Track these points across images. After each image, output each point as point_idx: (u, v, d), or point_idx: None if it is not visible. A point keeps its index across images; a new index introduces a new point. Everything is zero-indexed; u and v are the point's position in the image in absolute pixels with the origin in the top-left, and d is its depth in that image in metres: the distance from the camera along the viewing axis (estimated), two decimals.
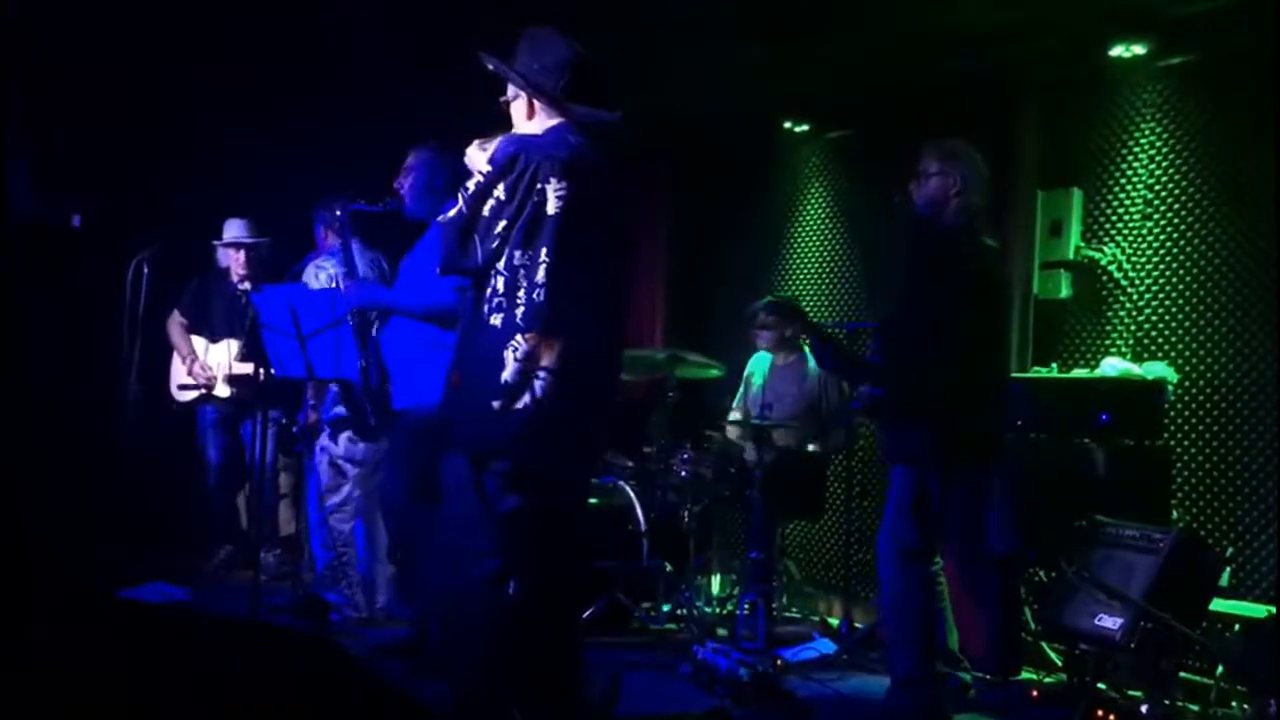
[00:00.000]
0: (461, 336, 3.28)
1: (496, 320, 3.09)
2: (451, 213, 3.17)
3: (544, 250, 3.05)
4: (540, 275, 3.04)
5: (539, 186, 3.06)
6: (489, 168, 3.13)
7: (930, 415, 3.83)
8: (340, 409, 4.73)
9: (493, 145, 3.25)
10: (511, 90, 3.33)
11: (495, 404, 3.04)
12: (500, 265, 3.09)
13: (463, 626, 3.26)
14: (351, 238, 4.47)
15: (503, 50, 3.29)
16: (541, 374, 3.04)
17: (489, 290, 3.11)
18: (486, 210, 3.09)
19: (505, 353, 3.05)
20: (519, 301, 3.06)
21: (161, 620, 3.35)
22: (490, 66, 3.27)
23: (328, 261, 5.16)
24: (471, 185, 3.14)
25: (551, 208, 3.06)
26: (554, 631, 3.24)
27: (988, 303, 3.94)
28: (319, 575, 5.05)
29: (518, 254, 3.07)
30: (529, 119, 3.29)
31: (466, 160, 3.35)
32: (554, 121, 3.25)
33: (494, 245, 3.08)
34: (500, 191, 3.08)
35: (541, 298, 3.04)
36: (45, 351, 5.61)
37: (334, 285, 4.75)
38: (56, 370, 5.72)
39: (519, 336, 3.04)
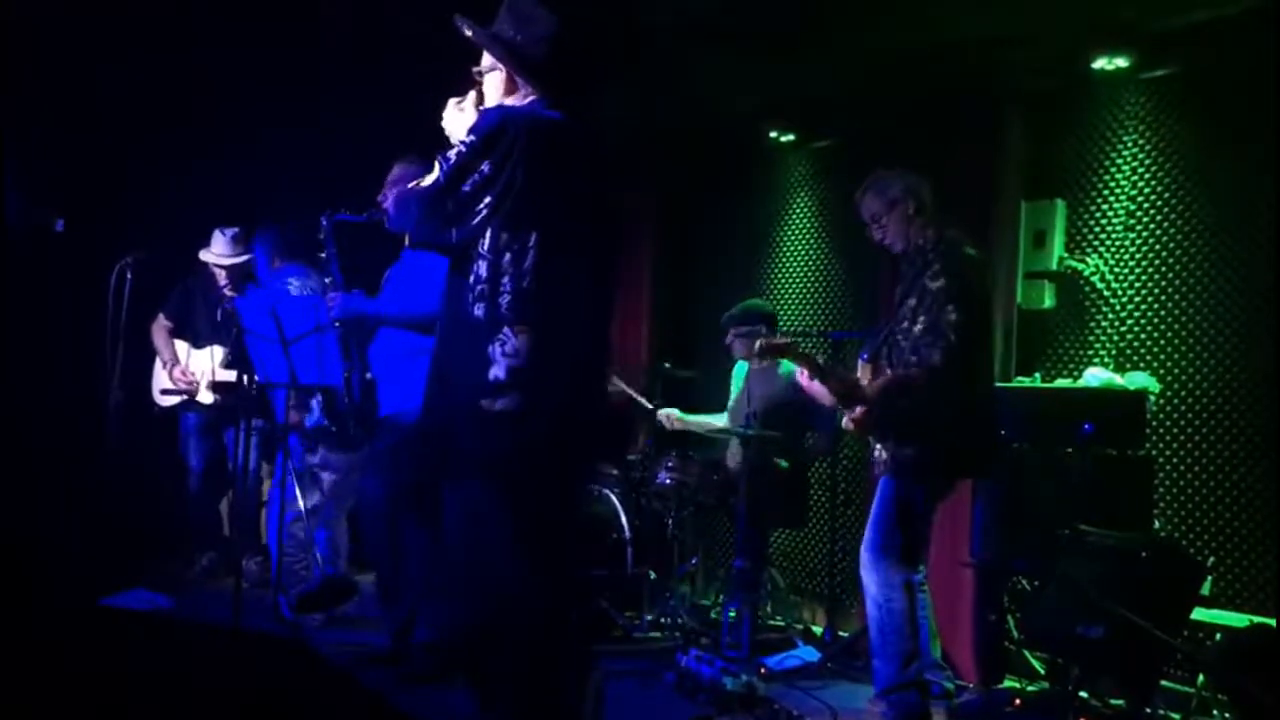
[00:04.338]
0: (443, 332, 2.97)
1: (479, 311, 2.79)
2: (427, 181, 2.88)
3: (533, 235, 2.78)
4: (529, 260, 2.77)
5: (527, 163, 2.78)
6: (471, 137, 2.82)
7: (928, 429, 3.83)
8: (323, 419, 4.72)
9: (470, 106, 3.02)
10: (488, 61, 3.03)
11: (486, 404, 2.75)
12: (483, 248, 2.79)
13: (503, 653, 2.89)
14: (334, 249, 4.47)
15: (480, 18, 2.99)
16: (534, 370, 2.75)
17: (471, 278, 2.80)
18: (468, 184, 2.78)
19: (492, 348, 2.76)
20: (504, 289, 2.77)
21: (144, 627, 3.33)
22: (468, 32, 2.96)
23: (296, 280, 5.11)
24: (452, 155, 2.82)
25: (540, 187, 2.79)
26: (564, 647, 2.96)
27: (979, 314, 3.94)
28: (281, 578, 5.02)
29: (504, 236, 2.77)
30: (507, 94, 3.01)
31: (444, 122, 3.08)
32: (533, 97, 2.97)
33: (475, 224, 2.79)
34: (485, 165, 2.77)
35: (530, 285, 2.77)
36: (27, 355, 5.57)
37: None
38: (38, 374, 5.67)
39: (506, 329, 2.76)
